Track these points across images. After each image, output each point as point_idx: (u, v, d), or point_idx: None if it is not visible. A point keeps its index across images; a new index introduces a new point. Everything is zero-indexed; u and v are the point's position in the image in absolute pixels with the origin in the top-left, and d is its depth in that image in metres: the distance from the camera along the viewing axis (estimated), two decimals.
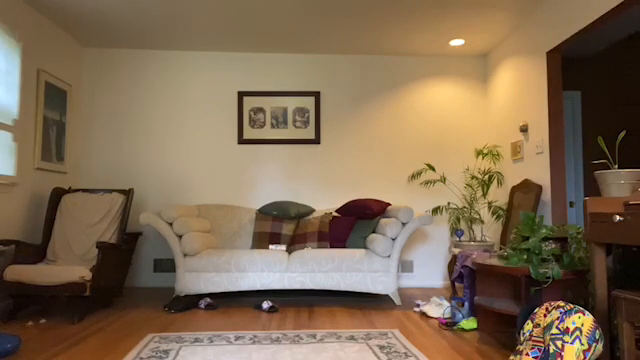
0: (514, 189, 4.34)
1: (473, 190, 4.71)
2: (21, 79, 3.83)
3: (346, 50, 4.98)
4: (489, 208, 4.56)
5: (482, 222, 4.71)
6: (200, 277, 3.86)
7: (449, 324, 3.22)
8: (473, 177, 4.71)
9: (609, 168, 2.41)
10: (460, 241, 4.48)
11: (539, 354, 2.01)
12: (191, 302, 3.79)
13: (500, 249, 4.28)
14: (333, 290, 4.22)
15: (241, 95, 4.98)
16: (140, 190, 4.88)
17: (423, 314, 3.57)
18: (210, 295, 4.31)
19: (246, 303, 3.99)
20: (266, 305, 3.66)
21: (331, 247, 4.21)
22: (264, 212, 4.56)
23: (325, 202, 4.99)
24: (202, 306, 3.76)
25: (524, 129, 4.26)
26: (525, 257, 2.66)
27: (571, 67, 5.04)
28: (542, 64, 3.98)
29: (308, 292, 4.49)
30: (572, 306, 2.03)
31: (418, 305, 3.73)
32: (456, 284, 4.42)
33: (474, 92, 5.14)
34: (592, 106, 5.01)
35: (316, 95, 5.02)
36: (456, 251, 4.36)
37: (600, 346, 1.95)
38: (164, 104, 4.96)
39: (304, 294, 4.40)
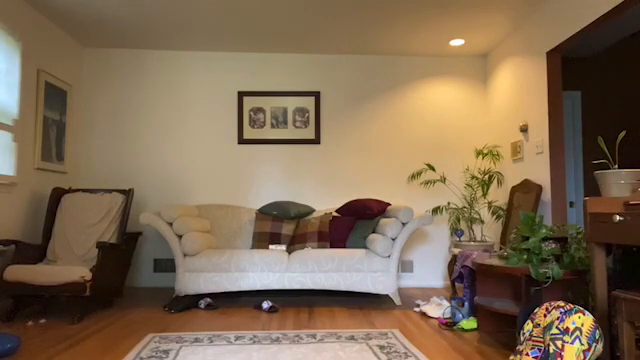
0: (514, 189, 4.34)
1: (473, 190, 4.71)
2: (21, 79, 3.83)
3: (346, 50, 4.98)
4: (489, 208, 4.56)
5: (482, 222, 4.71)
6: (200, 277, 3.86)
7: (449, 324, 3.22)
8: (473, 177, 4.71)
9: (609, 168, 2.41)
10: (460, 241, 4.48)
11: (539, 354, 2.01)
12: (191, 302, 3.79)
13: (500, 249, 4.28)
14: (333, 290, 4.22)
15: (241, 95, 4.98)
16: (140, 190, 4.88)
17: (423, 314, 3.57)
18: (210, 295, 4.31)
19: (246, 303, 3.99)
20: (266, 305, 3.67)
21: (331, 247, 4.21)
22: (264, 212, 4.56)
23: (325, 202, 4.99)
24: (202, 306, 3.76)
25: (524, 129, 4.26)
26: (525, 257, 2.66)
27: (571, 67, 5.05)
28: (542, 64, 3.98)
29: (308, 292, 4.49)
30: (572, 306, 2.03)
31: (418, 305, 3.73)
32: (456, 284, 4.43)
33: (474, 92, 5.14)
34: (592, 106, 5.02)
35: (316, 95, 5.02)
36: (456, 251, 4.36)
37: (600, 346, 1.95)
38: (164, 104, 4.96)
39: (304, 294, 4.40)
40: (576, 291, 2.67)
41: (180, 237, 3.95)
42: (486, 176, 4.62)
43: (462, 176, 5.09)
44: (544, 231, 2.64)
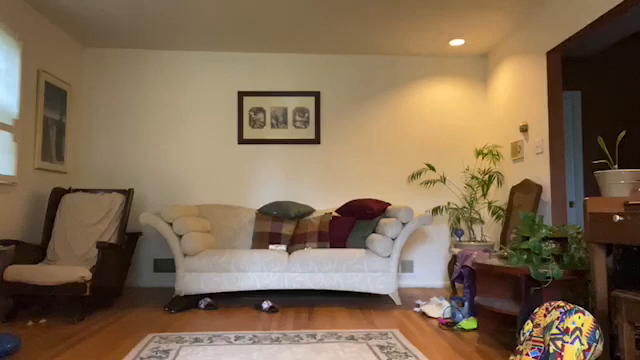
0: (514, 189, 4.33)
1: (473, 190, 4.71)
2: (21, 79, 3.83)
3: (346, 50, 4.98)
4: (489, 208, 4.56)
5: (482, 222, 4.71)
6: (200, 277, 3.86)
7: (449, 324, 3.22)
8: (473, 177, 4.71)
9: (609, 168, 2.41)
10: (460, 241, 4.48)
11: (539, 354, 2.01)
12: (191, 302, 3.79)
13: (500, 249, 4.28)
14: (333, 290, 4.22)
15: (241, 95, 4.98)
16: (140, 190, 4.88)
17: (423, 314, 3.57)
18: (210, 295, 4.31)
19: (246, 303, 3.99)
20: (266, 305, 3.67)
21: (331, 247, 4.21)
22: (264, 212, 4.56)
23: (325, 202, 4.99)
24: (202, 306, 3.76)
25: (524, 129, 4.26)
26: (525, 257, 2.66)
27: (571, 67, 5.04)
28: (542, 64, 3.98)
29: (308, 292, 4.48)
30: (572, 306, 2.03)
31: (418, 305, 3.73)
32: (456, 284, 4.43)
33: (474, 92, 5.14)
34: (592, 106, 5.01)
35: (316, 95, 5.02)
36: (456, 251, 4.36)
37: (600, 346, 1.95)
38: (164, 104, 4.96)
39: (304, 294, 4.40)
40: (576, 291, 2.66)
41: (180, 237, 3.95)
42: (486, 176, 4.62)
43: (462, 176, 5.09)
44: (544, 231, 2.64)
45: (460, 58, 5.15)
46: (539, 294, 2.64)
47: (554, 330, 1.99)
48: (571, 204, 4.91)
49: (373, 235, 4.02)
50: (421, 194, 5.05)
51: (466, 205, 4.81)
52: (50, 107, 4.27)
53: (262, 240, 4.36)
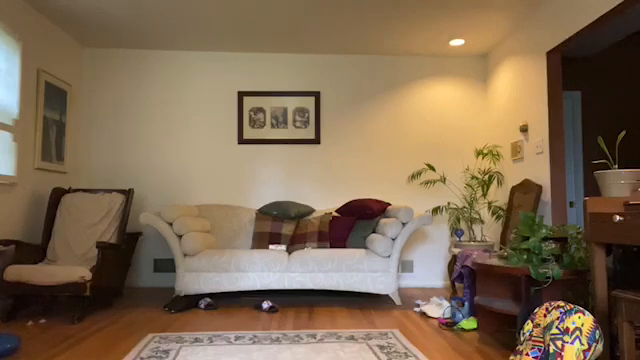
0: (514, 189, 4.33)
1: (473, 190, 4.71)
2: (21, 79, 3.83)
3: (346, 50, 4.98)
4: (489, 208, 4.56)
5: (482, 222, 4.71)
6: (200, 277, 3.86)
7: (449, 324, 3.22)
8: (473, 177, 4.71)
9: (609, 168, 2.41)
10: (460, 241, 4.48)
11: (539, 354, 2.01)
12: (191, 302, 3.79)
13: (500, 249, 4.28)
14: (333, 290, 4.22)
15: (241, 95, 4.98)
16: (140, 190, 4.88)
17: (423, 314, 3.57)
18: (210, 295, 4.31)
19: (246, 303, 3.99)
20: (266, 305, 3.67)
21: (331, 247, 4.21)
22: (264, 212, 4.56)
23: (325, 202, 4.99)
24: (202, 306, 3.76)
25: (524, 129, 4.26)
26: (525, 257, 2.66)
27: (571, 67, 5.04)
28: (542, 64, 3.98)
29: (308, 292, 4.48)
30: (572, 306, 2.03)
31: (418, 305, 3.73)
32: (456, 284, 4.42)
33: (474, 92, 5.14)
34: (592, 106, 5.01)
35: (316, 95, 5.02)
36: (456, 251, 4.36)
37: (600, 346, 1.95)
38: (164, 104, 4.96)
39: (304, 294, 4.40)
40: (576, 291, 2.66)
41: (180, 237, 3.95)
42: (486, 176, 4.62)
43: (462, 176, 5.09)
44: (544, 231, 2.64)
45: (460, 58, 5.15)
46: (539, 294, 2.64)
47: (554, 330, 1.99)
48: (571, 204, 4.91)
49: (373, 235, 4.02)
50: (421, 194, 5.05)
51: (466, 205, 4.81)
52: (50, 107, 4.27)
53: (262, 240, 4.36)
